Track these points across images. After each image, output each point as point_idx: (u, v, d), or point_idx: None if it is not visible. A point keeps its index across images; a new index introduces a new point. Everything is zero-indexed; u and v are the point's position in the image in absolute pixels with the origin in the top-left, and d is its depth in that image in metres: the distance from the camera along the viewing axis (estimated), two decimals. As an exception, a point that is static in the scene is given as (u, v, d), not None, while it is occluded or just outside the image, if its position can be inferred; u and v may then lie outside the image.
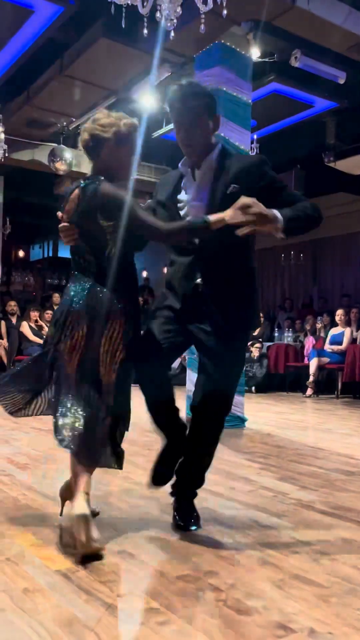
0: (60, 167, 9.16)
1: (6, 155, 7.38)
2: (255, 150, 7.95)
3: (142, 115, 8.05)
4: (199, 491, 2.43)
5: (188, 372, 5.54)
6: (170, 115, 2.30)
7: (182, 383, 9.22)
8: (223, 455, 3.72)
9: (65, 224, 2.25)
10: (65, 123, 8.63)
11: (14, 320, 9.38)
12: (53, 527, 2.34)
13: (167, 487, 2.43)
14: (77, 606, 1.67)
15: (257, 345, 9.42)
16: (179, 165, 2.37)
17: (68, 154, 9.13)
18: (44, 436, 4.53)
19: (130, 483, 3.07)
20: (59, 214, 2.29)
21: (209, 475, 2.46)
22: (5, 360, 8.83)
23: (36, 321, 9.13)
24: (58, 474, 3.29)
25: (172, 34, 3.76)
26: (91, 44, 6.27)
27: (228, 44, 5.47)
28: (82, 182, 2.25)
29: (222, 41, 5.44)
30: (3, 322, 9.16)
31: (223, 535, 2.30)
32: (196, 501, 2.43)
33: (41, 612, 1.63)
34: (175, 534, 2.29)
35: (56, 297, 10.56)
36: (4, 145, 7.11)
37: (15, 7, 5.81)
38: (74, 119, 8.48)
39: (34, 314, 9.20)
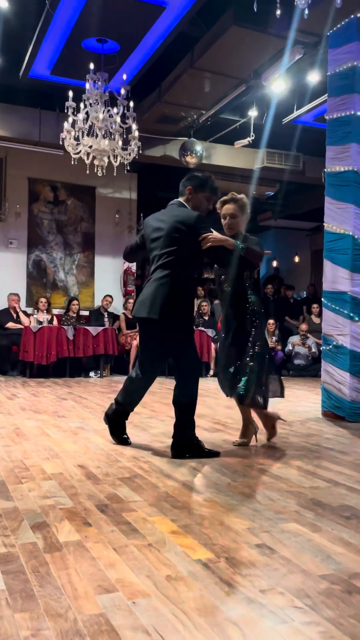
0: (191, 160, 9.27)
1: (140, 152, 7.60)
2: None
3: (272, 100, 7.90)
4: None
5: (323, 363, 5.35)
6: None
7: (314, 374, 8.99)
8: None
9: None
10: (195, 116, 8.70)
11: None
12: (192, 516, 2.37)
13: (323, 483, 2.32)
14: (219, 598, 1.66)
15: None
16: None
17: (198, 146, 9.21)
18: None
19: (267, 476, 3.03)
20: None
21: None
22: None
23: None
24: (194, 462, 3.33)
25: (307, 12, 3.61)
26: (222, 34, 6.24)
27: (365, 17, 5.15)
28: None
29: (359, 15, 5.14)
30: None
31: (368, 537, 2.17)
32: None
33: (184, 601, 1.64)
34: (315, 531, 2.21)
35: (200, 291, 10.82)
36: (138, 143, 7.32)
37: (148, 5, 5.92)
38: (203, 111, 8.52)
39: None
